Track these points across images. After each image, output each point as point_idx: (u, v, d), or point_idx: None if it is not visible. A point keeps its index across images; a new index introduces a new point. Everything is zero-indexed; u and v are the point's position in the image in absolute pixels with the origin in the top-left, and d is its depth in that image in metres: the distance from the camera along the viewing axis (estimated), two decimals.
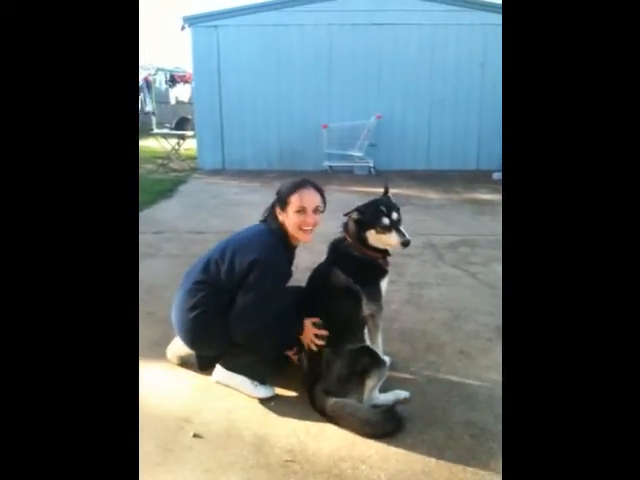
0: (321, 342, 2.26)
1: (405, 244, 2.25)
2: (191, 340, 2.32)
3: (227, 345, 2.26)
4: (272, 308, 2.16)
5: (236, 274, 2.19)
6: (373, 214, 2.28)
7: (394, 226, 2.27)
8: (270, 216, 2.35)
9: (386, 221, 2.26)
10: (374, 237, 2.29)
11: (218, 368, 2.37)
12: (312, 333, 2.26)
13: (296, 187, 2.26)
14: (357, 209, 2.33)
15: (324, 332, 2.27)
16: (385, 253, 2.37)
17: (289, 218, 2.25)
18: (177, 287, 2.45)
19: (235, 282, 2.19)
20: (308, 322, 2.28)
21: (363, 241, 2.30)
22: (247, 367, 2.30)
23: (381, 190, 2.47)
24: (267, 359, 2.34)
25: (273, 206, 2.34)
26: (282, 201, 2.27)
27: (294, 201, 2.23)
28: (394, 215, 2.29)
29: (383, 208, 2.29)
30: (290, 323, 2.29)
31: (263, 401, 2.28)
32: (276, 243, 2.25)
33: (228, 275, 2.21)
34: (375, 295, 2.34)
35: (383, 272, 2.38)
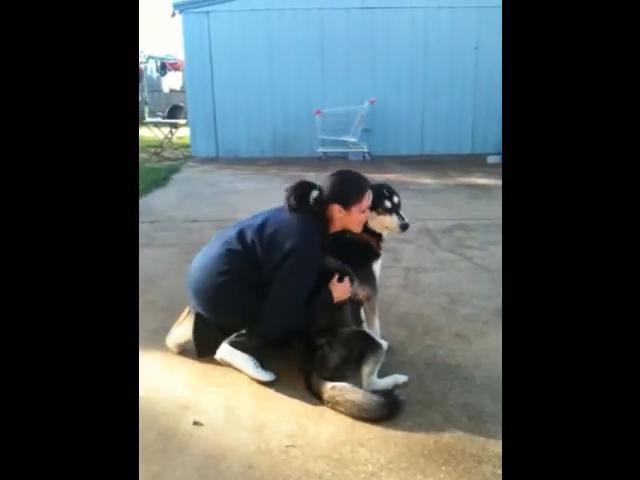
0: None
1: (404, 227, 2.33)
2: (212, 304, 2.32)
3: (242, 318, 2.29)
4: (303, 302, 2.21)
5: (272, 256, 2.19)
6: (375, 196, 2.32)
7: (395, 209, 2.34)
8: (311, 209, 2.27)
9: (388, 204, 2.33)
10: (374, 220, 2.34)
11: (224, 345, 2.36)
12: (344, 292, 2.28)
13: (365, 189, 2.24)
14: None
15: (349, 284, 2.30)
16: (379, 238, 2.41)
17: (352, 216, 2.24)
18: (203, 250, 2.44)
19: (271, 265, 2.19)
20: (333, 287, 2.27)
21: None
22: (252, 348, 2.32)
23: (376, 176, 2.49)
24: (271, 342, 2.35)
25: (325, 203, 2.25)
26: (347, 201, 2.22)
27: (363, 202, 2.23)
28: (395, 199, 2.36)
29: (385, 191, 2.36)
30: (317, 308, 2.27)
31: (263, 386, 2.29)
32: (315, 233, 2.23)
33: (265, 253, 2.21)
34: (368, 278, 2.37)
35: (375, 255, 2.41)
